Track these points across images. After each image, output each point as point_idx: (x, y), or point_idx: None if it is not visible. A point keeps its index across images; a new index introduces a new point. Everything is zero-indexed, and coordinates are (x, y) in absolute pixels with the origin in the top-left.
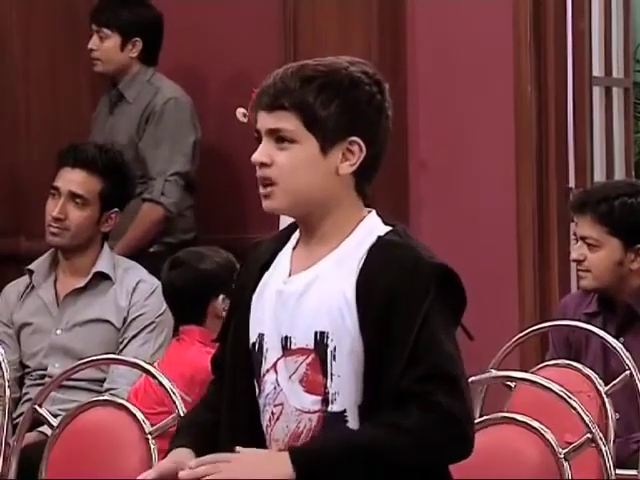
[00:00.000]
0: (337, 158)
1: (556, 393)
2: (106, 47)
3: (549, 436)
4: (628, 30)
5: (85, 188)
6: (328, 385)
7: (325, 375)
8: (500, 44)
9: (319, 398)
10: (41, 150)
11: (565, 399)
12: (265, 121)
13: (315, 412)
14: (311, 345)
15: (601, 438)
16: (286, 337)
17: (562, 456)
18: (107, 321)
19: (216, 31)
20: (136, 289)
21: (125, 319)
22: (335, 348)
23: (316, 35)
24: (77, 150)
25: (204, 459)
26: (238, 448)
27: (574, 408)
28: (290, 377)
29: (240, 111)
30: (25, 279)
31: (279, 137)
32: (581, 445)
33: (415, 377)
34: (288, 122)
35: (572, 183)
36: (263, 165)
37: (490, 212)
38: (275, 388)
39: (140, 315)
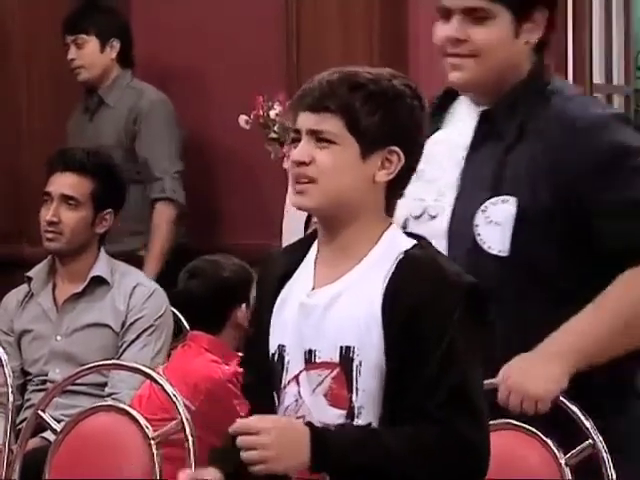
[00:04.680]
0: (376, 165)
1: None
2: (86, 52)
3: (550, 442)
4: (629, 37)
5: (76, 190)
6: (353, 399)
7: (350, 390)
8: None
9: (344, 412)
10: (43, 155)
11: (566, 404)
12: (308, 121)
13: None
14: (336, 359)
15: (602, 444)
16: (310, 350)
17: (564, 462)
18: (106, 325)
19: (218, 33)
20: (134, 292)
21: (124, 323)
22: (361, 363)
23: (319, 38)
24: (65, 155)
25: (243, 426)
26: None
27: (575, 413)
28: (314, 390)
29: (243, 118)
30: (25, 287)
31: (320, 138)
32: (582, 451)
33: (437, 400)
34: (331, 124)
35: None
36: (302, 164)
37: None
38: (297, 401)
39: (139, 319)
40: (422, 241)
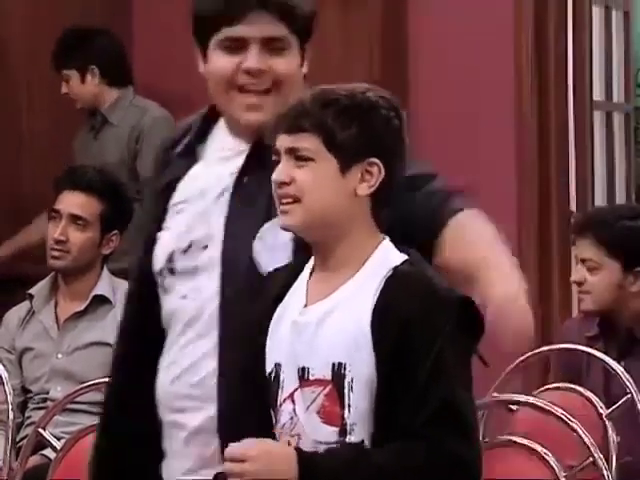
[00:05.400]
0: (356, 178)
1: (558, 416)
2: (72, 86)
3: (551, 459)
4: (629, 55)
5: (85, 210)
6: (346, 416)
7: (343, 406)
8: (501, 69)
9: (336, 429)
10: (45, 171)
11: (567, 422)
12: (284, 141)
13: (333, 443)
14: (328, 376)
15: (603, 461)
16: (303, 368)
17: (564, 479)
18: (107, 344)
19: None
20: None
21: None
22: (352, 379)
23: (319, 58)
24: (75, 173)
25: (233, 453)
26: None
27: (576, 431)
28: (308, 408)
29: None
30: (26, 304)
31: (298, 156)
32: (583, 468)
33: (426, 416)
34: (308, 142)
35: (573, 207)
36: (283, 184)
37: None
38: (292, 419)
39: None
40: (412, 256)
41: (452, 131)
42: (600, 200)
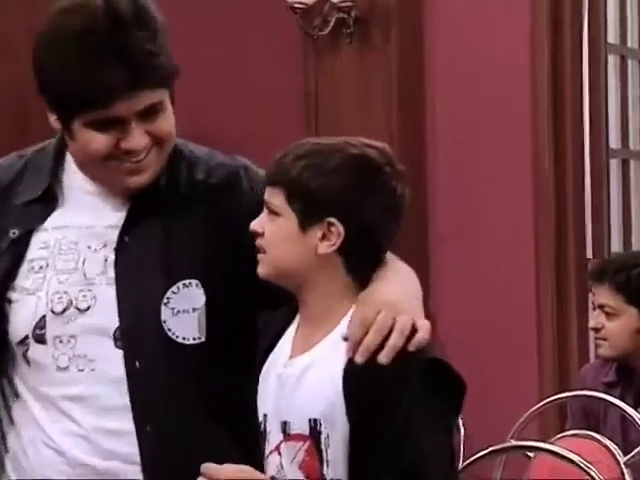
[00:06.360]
0: (316, 237)
1: (575, 463)
2: None
3: None
4: None
5: None
6: (325, 472)
7: (322, 462)
8: (518, 119)
9: None
10: None
11: (584, 469)
12: (266, 194)
13: None
14: (306, 432)
15: None
16: (285, 422)
17: None
18: None
19: (238, 108)
20: None
21: None
22: (328, 435)
23: (337, 114)
24: None
25: (208, 470)
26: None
27: (593, 478)
28: (291, 461)
29: None
30: None
31: (270, 210)
32: None
33: (394, 474)
34: (276, 197)
35: (590, 254)
36: (257, 234)
37: (509, 284)
38: (279, 472)
39: None
40: None
41: (468, 180)
42: (617, 247)
